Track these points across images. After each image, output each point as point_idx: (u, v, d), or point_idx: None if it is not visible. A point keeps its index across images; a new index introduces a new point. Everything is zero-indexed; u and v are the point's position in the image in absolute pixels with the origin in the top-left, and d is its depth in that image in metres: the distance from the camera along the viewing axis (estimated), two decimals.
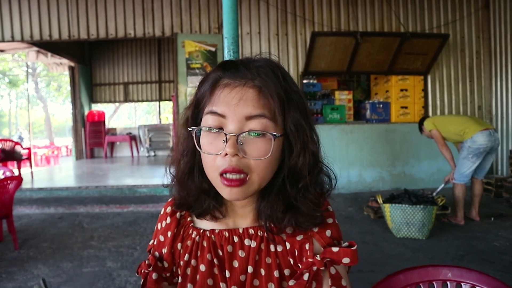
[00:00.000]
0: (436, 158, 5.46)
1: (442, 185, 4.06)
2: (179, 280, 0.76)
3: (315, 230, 0.72)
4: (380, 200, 3.68)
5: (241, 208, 0.75)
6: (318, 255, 0.68)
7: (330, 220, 0.74)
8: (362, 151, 5.76)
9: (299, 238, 0.71)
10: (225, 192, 0.66)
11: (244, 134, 0.64)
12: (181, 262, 0.76)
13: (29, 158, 7.62)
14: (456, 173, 3.91)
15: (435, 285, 0.97)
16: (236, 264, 0.72)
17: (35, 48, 8.21)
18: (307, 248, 0.70)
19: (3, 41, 6.22)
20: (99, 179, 6.70)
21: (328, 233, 0.72)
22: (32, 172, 7.62)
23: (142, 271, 0.77)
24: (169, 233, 0.78)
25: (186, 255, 0.76)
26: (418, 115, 5.93)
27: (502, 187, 5.07)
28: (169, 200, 0.83)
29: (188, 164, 0.73)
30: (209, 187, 0.72)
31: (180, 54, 5.65)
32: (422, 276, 0.97)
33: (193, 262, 0.75)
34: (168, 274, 0.78)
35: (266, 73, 0.67)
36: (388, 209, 3.55)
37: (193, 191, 0.73)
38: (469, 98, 6.20)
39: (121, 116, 30.94)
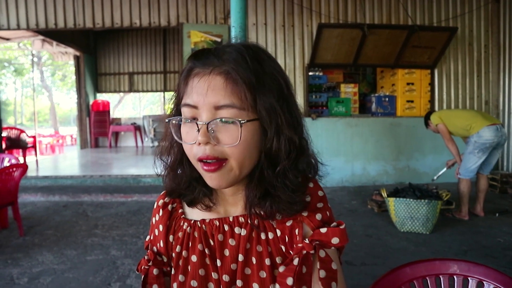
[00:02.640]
0: (441, 153, 5.43)
1: (444, 169, 4.10)
2: (172, 272, 0.76)
3: (305, 214, 0.70)
4: (384, 194, 3.67)
5: (231, 196, 0.75)
6: (307, 239, 0.67)
7: (320, 205, 0.72)
8: (367, 145, 5.74)
9: (288, 223, 0.70)
10: (207, 178, 0.67)
11: (215, 121, 0.63)
12: (173, 254, 0.76)
13: (34, 147, 7.66)
14: (461, 168, 3.88)
15: (441, 279, 0.96)
16: (227, 252, 0.72)
17: (41, 37, 8.21)
18: (296, 233, 0.69)
19: (8, 29, 6.21)
20: (103, 168, 6.73)
21: (318, 216, 0.70)
22: (37, 160, 7.67)
23: (142, 267, 0.77)
24: (161, 227, 0.79)
25: (178, 246, 0.76)
26: (424, 109, 5.88)
27: (507, 183, 5.04)
28: (161, 193, 0.83)
29: (178, 154, 0.74)
30: (199, 175, 0.73)
31: (186, 44, 5.62)
32: (429, 270, 0.96)
33: (184, 253, 0.75)
34: (168, 269, 0.78)
35: (234, 57, 0.65)
36: (392, 203, 3.54)
37: (184, 179, 0.75)
38: (476, 93, 6.13)
39: (126, 106, 30.98)
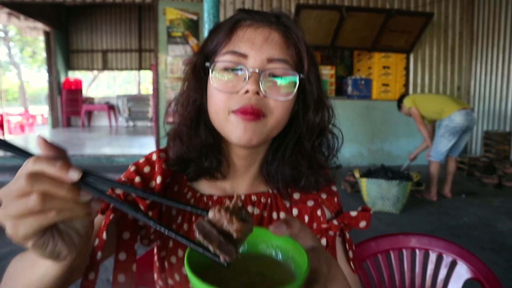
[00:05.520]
0: (413, 136, 5.55)
1: (408, 162, 4.19)
2: (170, 245, 0.68)
3: (324, 196, 0.71)
4: (357, 175, 3.74)
5: (243, 167, 0.70)
6: (335, 220, 0.68)
7: (334, 188, 0.75)
8: (342, 127, 5.62)
9: (309, 204, 0.70)
10: (238, 130, 0.60)
11: (267, 72, 0.61)
12: (174, 225, 0.68)
13: (1, 125, 7.38)
14: (432, 151, 3.99)
15: (404, 252, 0.98)
16: None
17: (6, 10, 7.77)
18: (319, 214, 0.69)
19: None
20: (75, 148, 6.55)
21: (336, 200, 0.73)
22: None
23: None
24: (158, 179, 0.67)
25: (179, 217, 0.68)
26: (399, 93, 5.95)
27: (474, 166, 5.22)
28: (160, 148, 0.74)
29: (193, 114, 0.67)
30: (214, 142, 0.68)
31: (161, 22, 5.46)
32: (392, 244, 0.98)
33: (185, 227, 0.67)
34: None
35: (291, 21, 0.66)
36: (365, 183, 3.61)
37: (196, 145, 0.67)
38: (450, 79, 6.27)
39: (100, 85, 30.13)
